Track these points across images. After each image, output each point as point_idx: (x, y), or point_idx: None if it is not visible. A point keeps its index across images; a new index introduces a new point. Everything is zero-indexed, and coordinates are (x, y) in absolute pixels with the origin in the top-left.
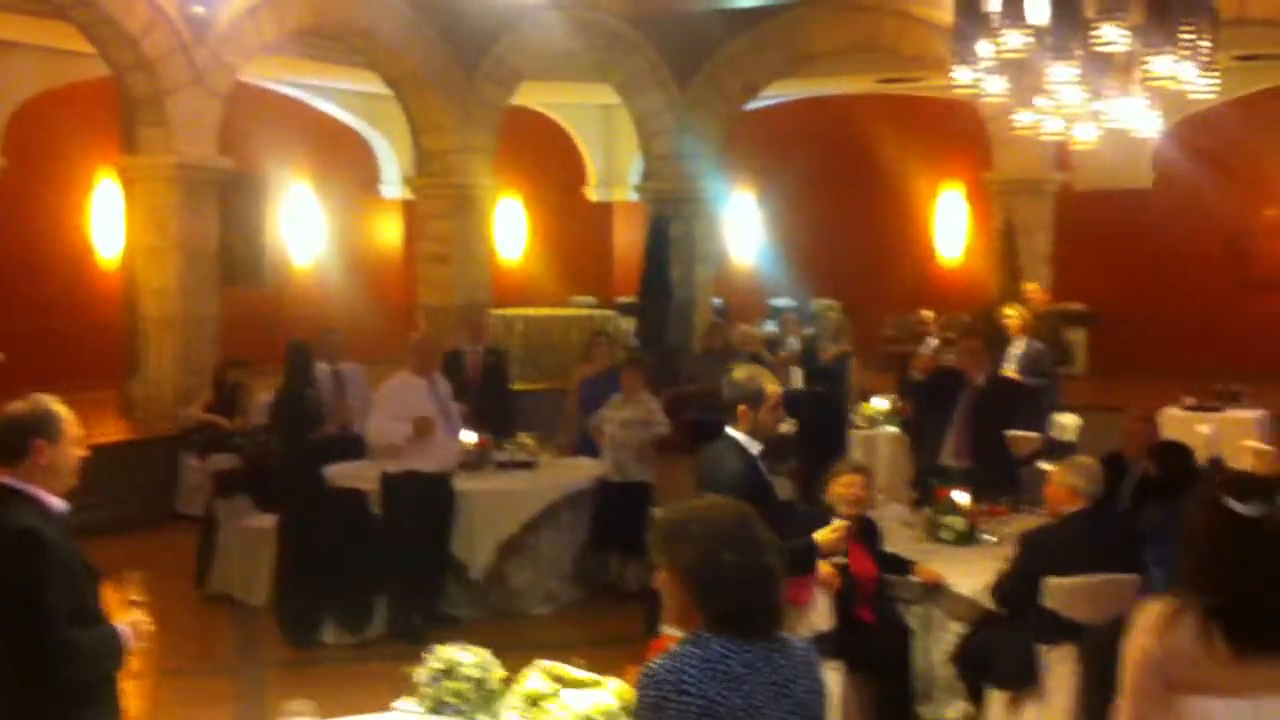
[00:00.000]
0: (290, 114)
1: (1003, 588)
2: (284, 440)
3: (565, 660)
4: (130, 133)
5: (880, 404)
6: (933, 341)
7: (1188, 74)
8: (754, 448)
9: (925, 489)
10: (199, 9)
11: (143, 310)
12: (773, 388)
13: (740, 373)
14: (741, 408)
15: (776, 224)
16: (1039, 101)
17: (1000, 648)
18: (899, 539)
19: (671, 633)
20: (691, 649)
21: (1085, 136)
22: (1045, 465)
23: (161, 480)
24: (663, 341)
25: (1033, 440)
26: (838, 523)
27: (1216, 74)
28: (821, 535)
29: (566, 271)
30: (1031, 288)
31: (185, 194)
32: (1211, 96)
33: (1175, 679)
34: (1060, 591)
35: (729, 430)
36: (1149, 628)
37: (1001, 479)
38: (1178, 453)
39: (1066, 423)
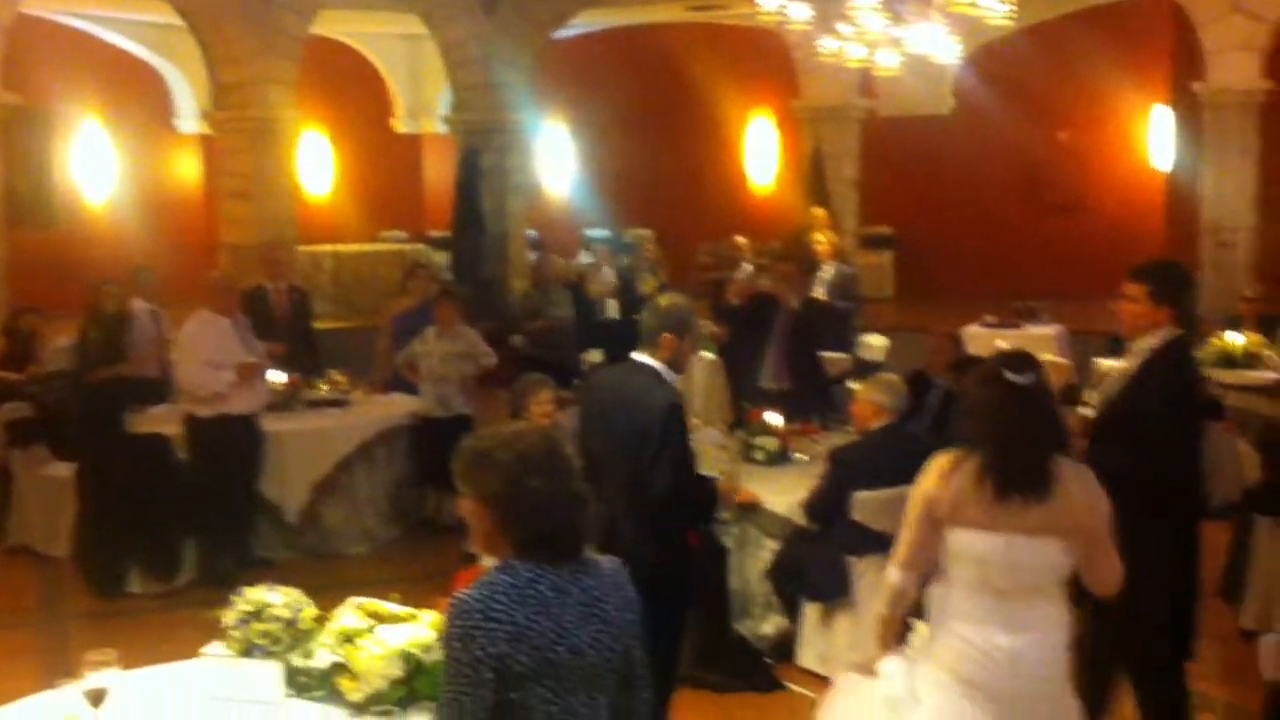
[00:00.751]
0: (78, 47)
1: (813, 503)
2: (74, 385)
3: (383, 597)
4: None
5: None
6: (747, 267)
7: (986, 0)
8: (672, 378)
9: (742, 412)
10: None
11: None
12: (703, 322)
13: (666, 299)
14: (668, 335)
15: (589, 154)
16: (842, 28)
17: (812, 561)
18: (714, 461)
19: (485, 562)
20: (500, 576)
21: (887, 63)
22: (854, 384)
23: None
24: (477, 275)
25: (842, 361)
26: None
27: (1012, 1)
28: None
29: (376, 206)
30: (818, 213)
31: None
32: (1008, 23)
33: (949, 514)
34: (867, 504)
35: (641, 356)
36: (935, 472)
37: (817, 399)
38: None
39: (874, 343)
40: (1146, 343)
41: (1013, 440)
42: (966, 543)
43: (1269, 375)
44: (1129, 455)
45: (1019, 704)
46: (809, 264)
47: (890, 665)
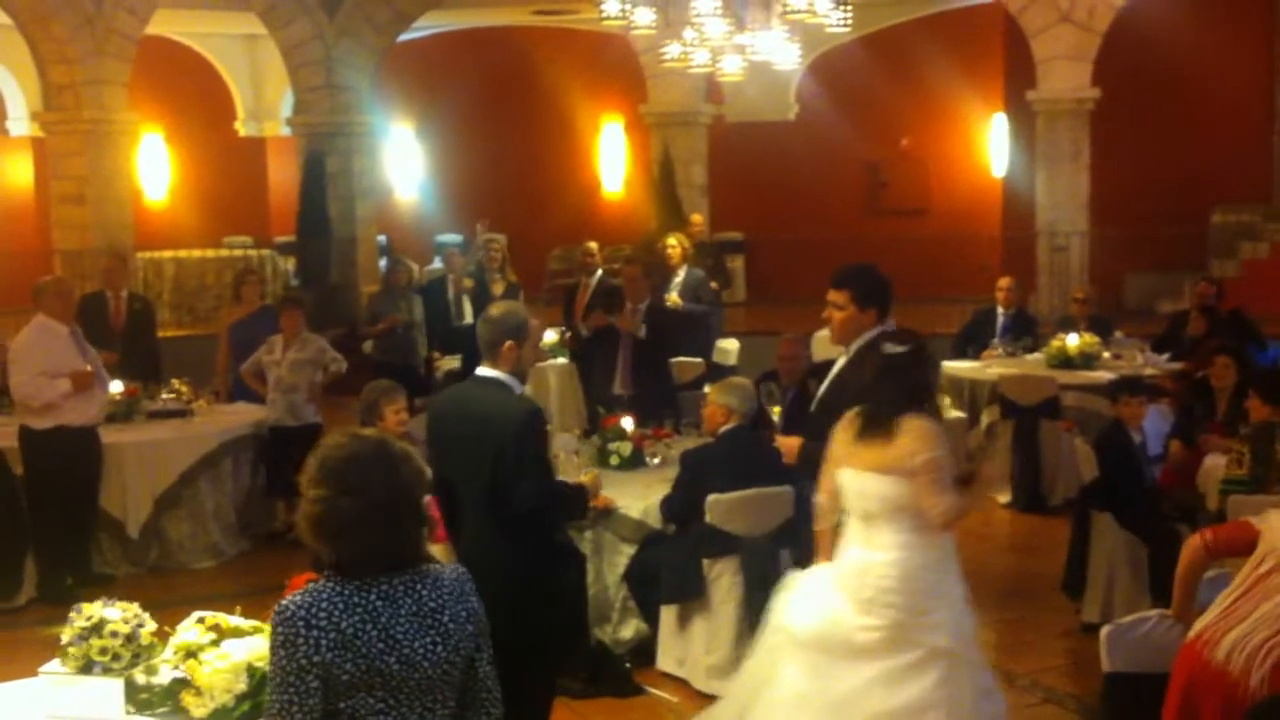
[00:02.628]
0: None
1: (668, 505)
2: None
3: (227, 611)
4: None
5: (549, 336)
6: (599, 273)
7: (823, 7)
8: (518, 388)
9: (595, 418)
10: None
11: None
12: (534, 320)
13: (497, 308)
14: (508, 344)
15: (438, 158)
16: (687, 34)
17: (667, 564)
18: (569, 467)
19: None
20: (326, 584)
21: (732, 69)
22: (707, 388)
23: None
24: (324, 280)
25: (696, 366)
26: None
27: (849, 8)
28: None
29: (218, 211)
30: (695, 219)
31: None
32: (846, 30)
33: (837, 458)
34: (719, 506)
35: (486, 371)
36: (840, 425)
37: (664, 403)
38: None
39: (727, 347)
40: (856, 343)
41: (872, 396)
42: (841, 479)
43: (1104, 375)
44: None
45: (873, 605)
46: (660, 269)
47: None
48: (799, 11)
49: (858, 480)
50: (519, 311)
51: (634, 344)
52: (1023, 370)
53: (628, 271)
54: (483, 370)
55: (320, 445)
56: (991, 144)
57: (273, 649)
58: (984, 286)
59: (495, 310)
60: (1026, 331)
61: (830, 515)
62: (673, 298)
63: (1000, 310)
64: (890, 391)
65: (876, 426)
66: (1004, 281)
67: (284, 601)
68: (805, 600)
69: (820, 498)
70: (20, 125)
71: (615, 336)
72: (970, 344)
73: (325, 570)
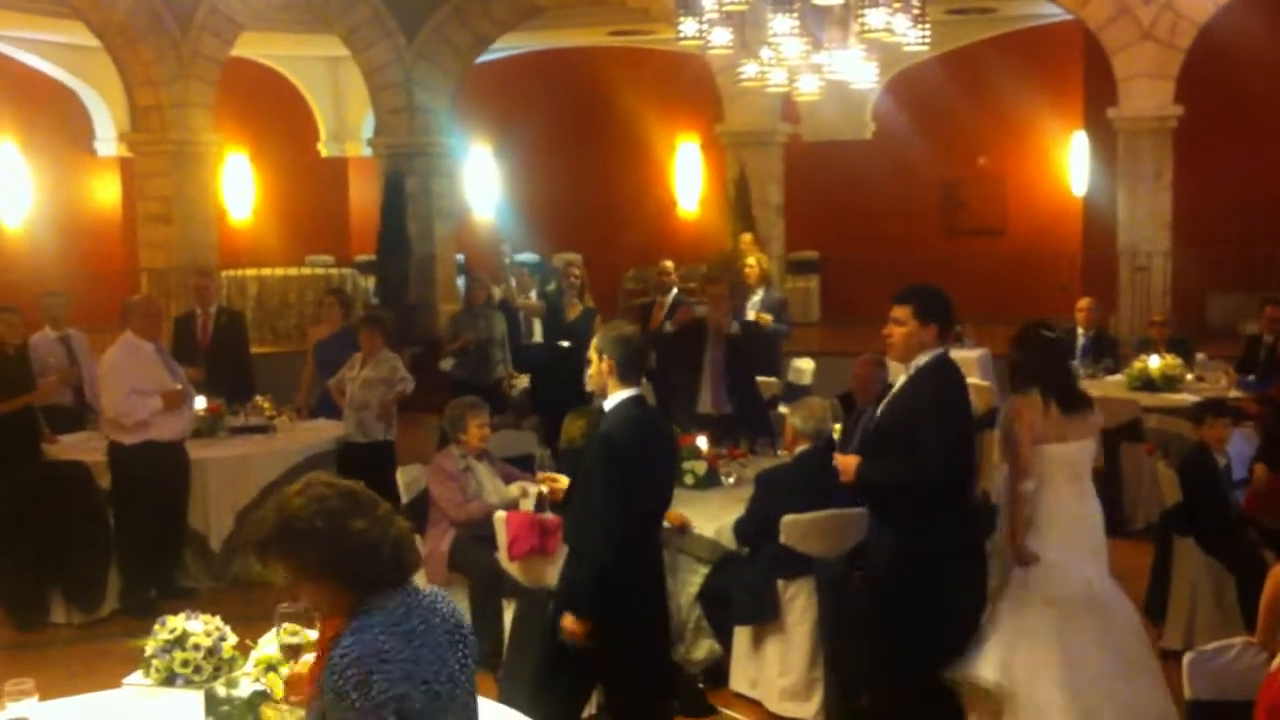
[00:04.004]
0: None
1: (742, 526)
2: None
3: (307, 626)
4: None
5: None
6: (674, 291)
7: (901, 26)
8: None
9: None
10: None
11: None
12: None
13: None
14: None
15: (515, 178)
16: (763, 54)
17: (741, 585)
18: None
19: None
20: (372, 619)
21: (808, 89)
22: (783, 409)
23: None
24: (403, 299)
25: (771, 385)
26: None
27: (927, 27)
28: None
29: (300, 230)
30: (745, 238)
31: None
32: (924, 49)
33: (1038, 435)
34: (794, 528)
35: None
36: (1022, 408)
37: (757, 423)
38: None
39: (803, 367)
40: (916, 363)
41: (1056, 375)
42: (1050, 454)
43: (1187, 397)
44: (904, 464)
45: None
46: (740, 288)
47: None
48: (876, 31)
49: (1072, 449)
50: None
51: (724, 352)
52: (1103, 392)
53: (713, 290)
54: (635, 392)
55: (278, 507)
56: (1071, 163)
57: (343, 694)
58: (1063, 307)
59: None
60: (1107, 353)
61: (1029, 497)
62: (764, 317)
63: (1080, 331)
64: (1066, 371)
65: (1078, 400)
66: (1084, 302)
67: (343, 648)
68: (1059, 559)
69: (1028, 484)
70: (108, 146)
71: (702, 339)
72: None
73: (358, 605)
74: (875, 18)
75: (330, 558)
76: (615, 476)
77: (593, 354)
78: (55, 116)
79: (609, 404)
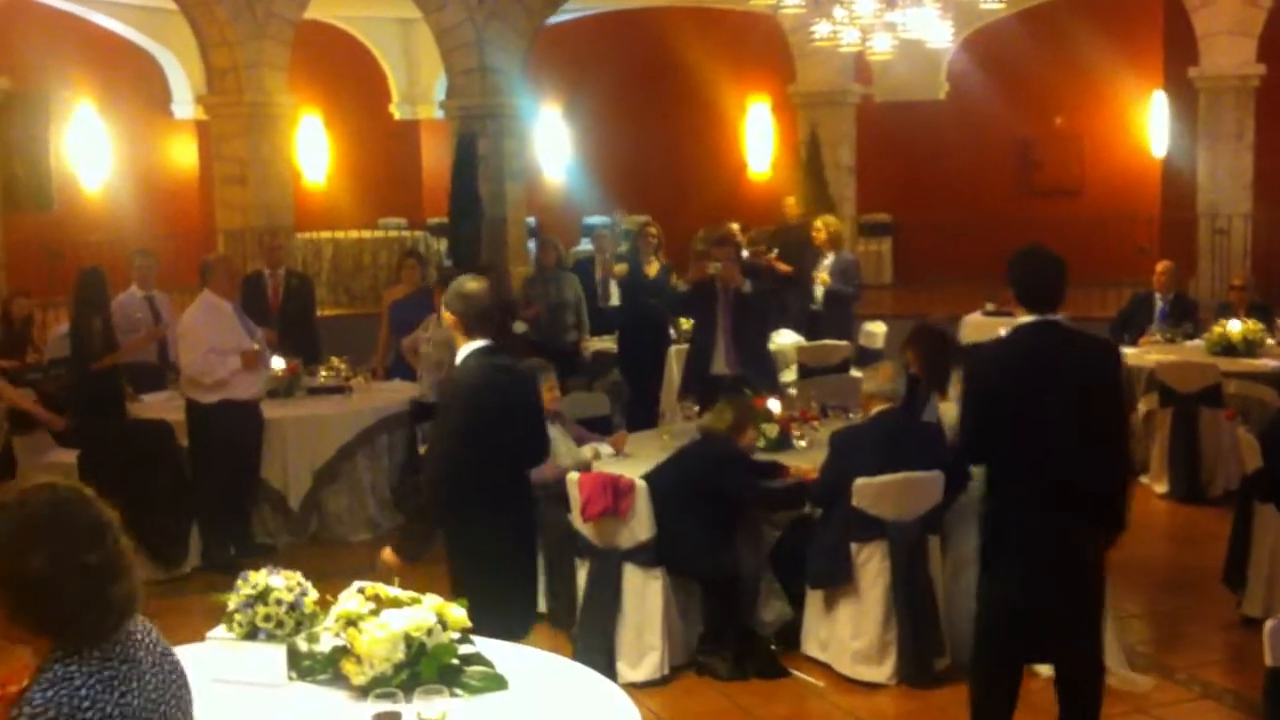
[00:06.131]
0: (70, 30)
1: (814, 488)
2: (74, 373)
3: (385, 583)
4: None
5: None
6: (744, 254)
7: None
8: None
9: (690, 395)
10: None
11: None
12: None
13: None
14: None
15: (586, 140)
16: (836, 13)
17: (813, 547)
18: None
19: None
20: (65, 667)
21: (881, 48)
22: (855, 372)
23: None
24: (475, 260)
25: (843, 349)
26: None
27: None
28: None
29: (374, 192)
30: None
31: None
32: (1000, 7)
33: None
34: (867, 490)
35: None
36: None
37: (765, 384)
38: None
39: (874, 330)
40: None
41: None
42: None
43: (1269, 363)
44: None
45: None
46: (808, 250)
47: None
48: None
49: None
50: None
51: (736, 312)
52: (1182, 357)
53: (720, 252)
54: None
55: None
56: (1150, 123)
57: None
58: (1142, 270)
59: None
60: (1186, 317)
61: None
62: (822, 276)
63: (1158, 295)
64: None
65: None
66: (1162, 265)
67: (39, 699)
68: None
69: None
70: (185, 108)
71: (714, 299)
72: (1127, 329)
73: (55, 651)
74: None
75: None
76: (452, 419)
77: (443, 309)
78: (132, 79)
79: (459, 355)
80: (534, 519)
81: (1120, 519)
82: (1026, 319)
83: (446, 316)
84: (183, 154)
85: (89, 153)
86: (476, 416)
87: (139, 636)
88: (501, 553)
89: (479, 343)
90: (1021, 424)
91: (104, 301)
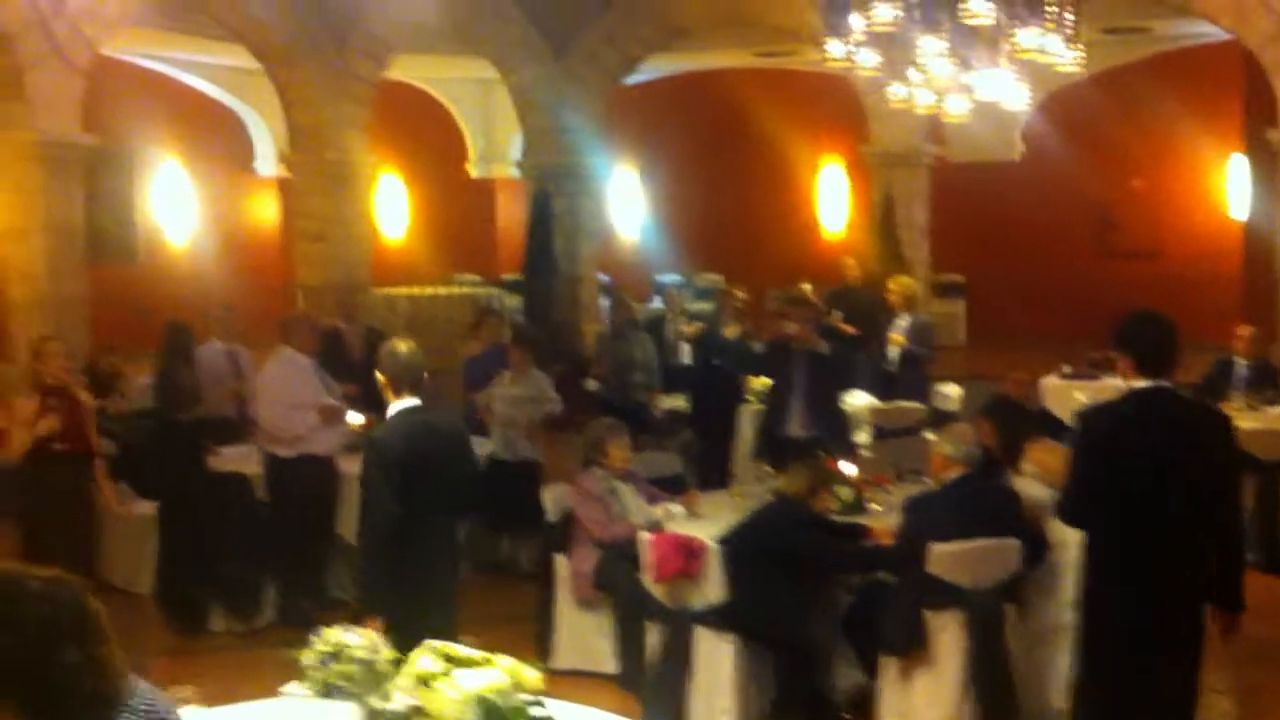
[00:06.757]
0: (158, 89)
1: (889, 555)
2: (159, 424)
3: (456, 640)
4: None
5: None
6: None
7: (1054, 47)
8: None
9: (766, 455)
10: None
11: (9, 293)
12: None
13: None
14: None
15: (660, 199)
16: (911, 75)
17: (888, 614)
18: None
19: None
20: None
21: (957, 109)
22: (929, 435)
23: None
24: (549, 318)
25: (918, 411)
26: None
27: (1081, 47)
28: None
29: (449, 249)
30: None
31: (49, 171)
32: (1077, 70)
33: None
34: (944, 556)
35: None
36: None
37: (840, 447)
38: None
39: (949, 392)
40: None
41: None
42: None
43: None
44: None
45: None
46: (882, 310)
47: None
48: (1029, 52)
49: None
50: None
51: (811, 374)
52: (1266, 424)
53: (798, 313)
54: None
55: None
56: (1229, 185)
57: None
58: (1221, 333)
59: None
60: (1269, 383)
61: None
62: (896, 337)
63: (1240, 360)
64: None
65: None
66: (1244, 330)
67: None
68: None
69: None
70: (267, 166)
71: (789, 360)
72: (1208, 395)
73: None
74: (1027, 38)
75: (21, 678)
76: (371, 475)
77: (378, 371)
78: (217, 137)
79: (389, 412)
80: (454, 554)
81: (1237, 598)
82: (1140, 384)
83: (379, 376)
84: (265, 210)
85: (174, 208)
86: (395, 469)
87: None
88: (424, 587)
89: (406, 401)
90: (1130, 491)
91: (189, 354)
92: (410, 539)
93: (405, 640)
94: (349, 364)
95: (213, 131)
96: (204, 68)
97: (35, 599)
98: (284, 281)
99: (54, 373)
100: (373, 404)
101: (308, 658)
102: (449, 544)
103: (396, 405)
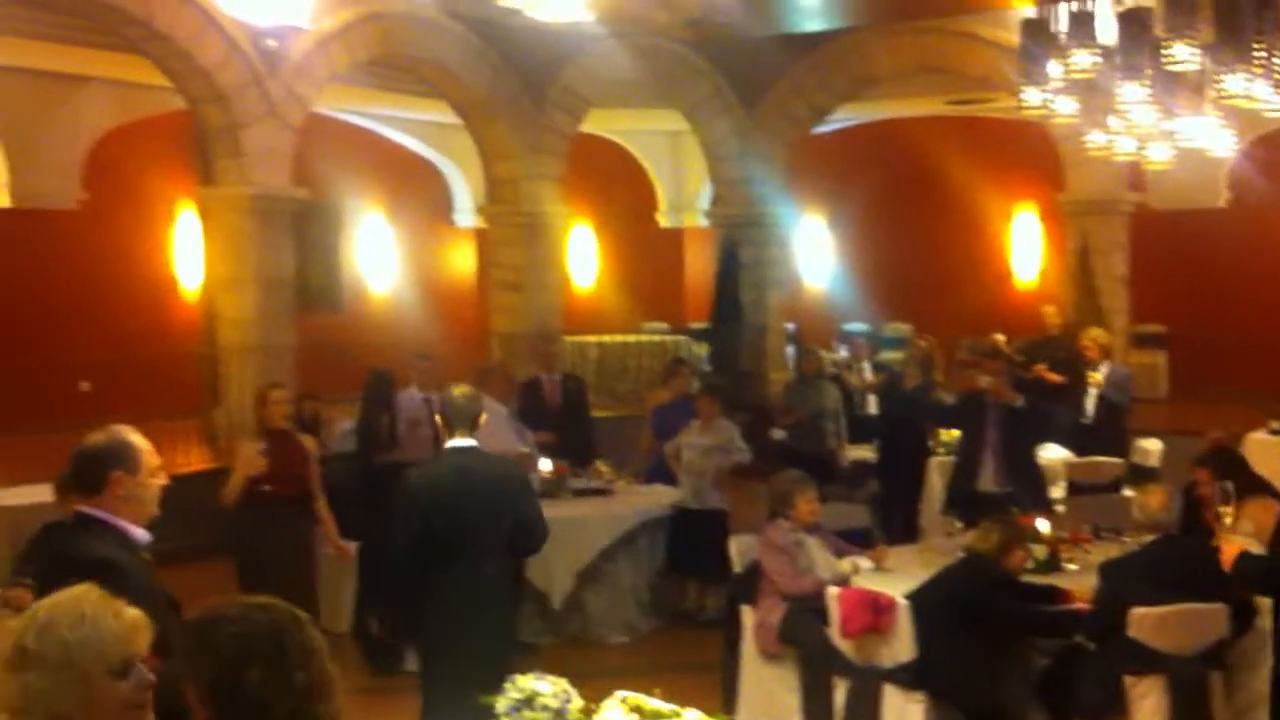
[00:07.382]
0: (362, 144)
1: (1088, 621)
2: (359, 467)
3: (643, 689)
4: (206, 165)
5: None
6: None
7: (1261, 92)
8: None
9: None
10: (272, 42)
11: (222, 340)
12: None
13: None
14: None
15: (847, 247)
16: (1111, 122)
17: (1085, 678)
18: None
19: None
20: None
21: (1159, 156)
22: (1128, 491)
23: None
24: (735, 367)
25: (1116, 466)
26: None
27: None
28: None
29: (638, 298)
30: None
31: (261, 224)
32: None
33: None
34: (1146, 620)
35: None
36: None
37: (1036, 502)
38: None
39: (1149, 448)
40: None
41: None
42: None
43: None
44: None
45: None
46: (1078, 362)
47: None
48: (1235, 97)
49: None
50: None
51: (1005, 428)
52: None
53: (992, 366)
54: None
55: (226, 607)
56: None
57: None
58: None
59: None
60: None
61: None
62: (1094, 376)
63: None
64: None
65: None
66: None
67: None
68: None
69: None
70: (465, 217)
71: (982, 413)
72: None
73: None
74: (1233, 84)
75: (216, 685)
76: (396, 505)
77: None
78: (418, 189)
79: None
80: (496, 591)
81: None
82: None
83: (437, 418)
84: (462, 260)
85: (377, 259)
86: (415, 504)
87: None
88: (455, 620)
89: (457, 441)
90: None
91: (391, 401)
92: (441, 571)
93: (439, 664)
94: (547, 412)
95: (414, 184)
96: (406, 123)
97: (230, 622)
98: (479, 329)
99: (276, 418)
100: (569, 452)
101: (499, 703)
102: (489, 581)
103: (449, 444)
